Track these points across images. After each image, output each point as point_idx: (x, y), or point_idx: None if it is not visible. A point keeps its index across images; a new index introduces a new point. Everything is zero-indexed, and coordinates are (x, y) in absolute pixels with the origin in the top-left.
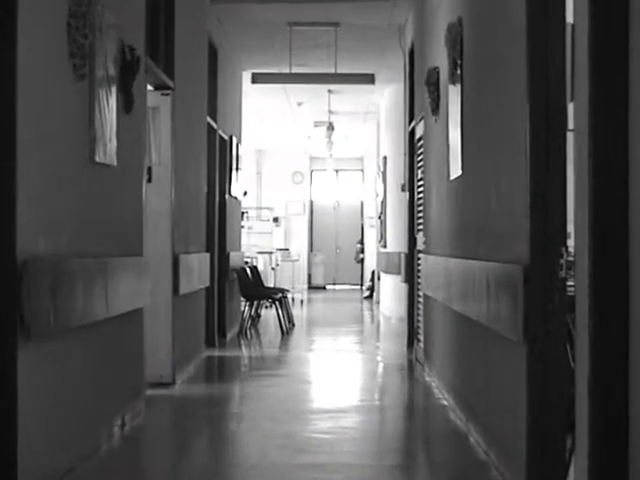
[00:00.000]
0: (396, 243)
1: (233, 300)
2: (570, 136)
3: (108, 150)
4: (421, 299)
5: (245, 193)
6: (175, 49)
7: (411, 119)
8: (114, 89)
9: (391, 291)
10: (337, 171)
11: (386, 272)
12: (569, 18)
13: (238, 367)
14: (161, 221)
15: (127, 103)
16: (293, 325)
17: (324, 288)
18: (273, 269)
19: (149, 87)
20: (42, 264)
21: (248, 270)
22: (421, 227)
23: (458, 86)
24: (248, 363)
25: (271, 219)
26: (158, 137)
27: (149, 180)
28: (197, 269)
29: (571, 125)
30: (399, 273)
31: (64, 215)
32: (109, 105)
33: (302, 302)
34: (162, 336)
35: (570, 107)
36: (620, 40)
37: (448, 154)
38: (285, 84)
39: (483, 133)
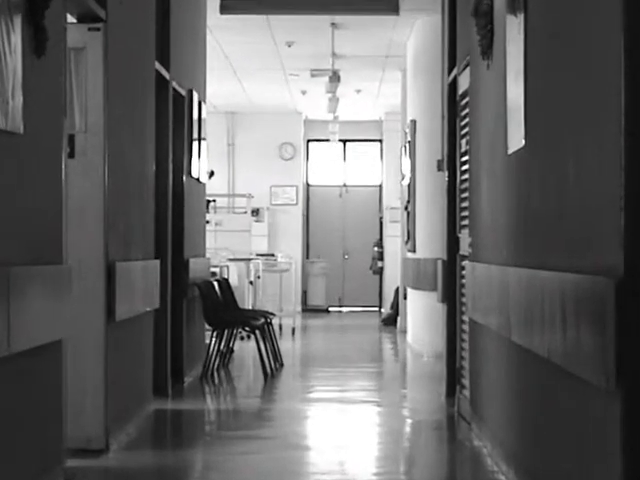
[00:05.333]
0: (430, 246)
1: (194, 328)
2: None
3: (10, 111)
4: (466, 327)
5: (212, 174)
6: None
7: (452, 66)
8: (18, 21)
9: (423, 315)
10: (345, 142)
11: (416, 288)
12: None
13: (201, 426)
14: (89, 214)
15: (38, 42)
16: (281, 364)
17: (326, 311)
18: (252, 283)
19: (70, 19)
20: None
21: (216, 285)
22: (466, 222)
23: (520, 17)
24: (215, 420)
25: (249, 211)
26: (84, 92)
27: (71, 154)
28: (142, 283)
29: None
30: (434, 289)
31: None
32: (11, 45)
33: (294, 331)
34: (90, 381)
35: None
36: None
37: (505, 116)
38: (269, 15)
39: (557, 84)
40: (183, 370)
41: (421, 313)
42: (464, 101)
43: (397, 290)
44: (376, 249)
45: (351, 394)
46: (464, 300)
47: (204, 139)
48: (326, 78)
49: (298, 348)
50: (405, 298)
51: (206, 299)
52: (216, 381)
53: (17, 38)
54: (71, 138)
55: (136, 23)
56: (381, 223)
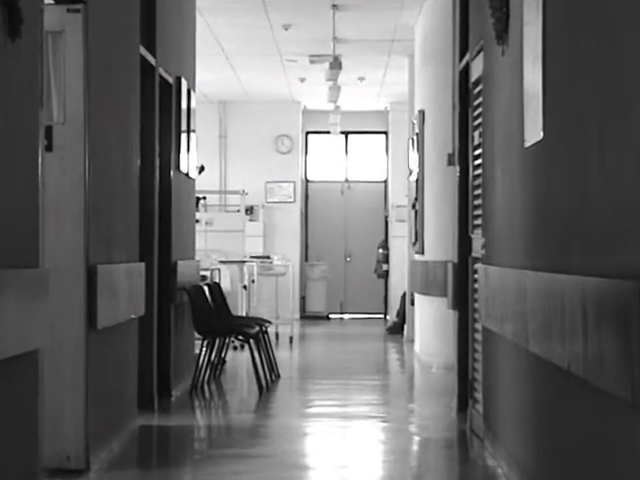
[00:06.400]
0: (439, 247)
1: (183, 337)
2: None
3: None
4: (479, 336)
5: (202, 169)
6: None
7: (464, 51)
8: None
9: (432, 323)
10: (347, 134)
11: (424, 293)
12: None
13: (189, 444)
14: (68, 212)
15: (12, 24)
16: (277, 376)
17: (326, 318)
18: (246, 288)
19: None
20: None
21: (206, 290)
22: (478, 222)
23: None
24: (205, 437)
25: (243, 209)
26: (62, 79)
27: (49, 148)
28: (126, 288)
29: None
30: (444, 295)
31: None
32: None
33: (291, 340)
34: (69, 395)
35: None
36: None
37: (522, 106)
38: None
39: (578, 71)
40: (171, 383)
41: (430, 321)
42: (477, 90)
43: (404, 296)
44: (381, 251)
45: (354, 409)
46: (477, 306)
47: (194, 131)
48: (326, 64)
49: (296, 358)
50: (412, 304)
51: (196, 305)
52: (206, 395)
53: None
54: (48, 130)
55: (119, 4)
56: (386, 222)
